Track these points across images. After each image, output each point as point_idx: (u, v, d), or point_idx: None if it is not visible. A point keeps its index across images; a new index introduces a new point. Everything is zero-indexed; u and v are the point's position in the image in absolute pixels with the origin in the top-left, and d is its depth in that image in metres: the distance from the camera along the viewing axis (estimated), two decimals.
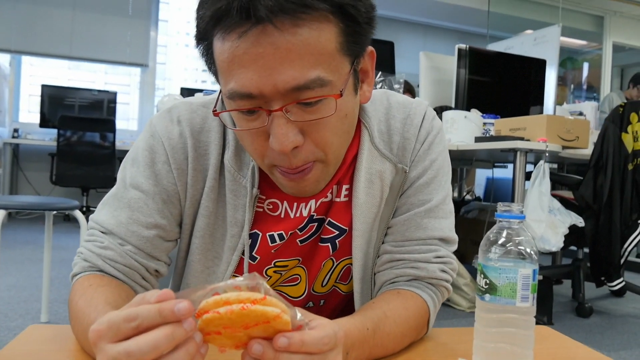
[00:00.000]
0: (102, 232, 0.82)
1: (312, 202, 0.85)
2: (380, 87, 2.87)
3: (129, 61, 6.62)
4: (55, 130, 5.57)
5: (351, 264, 0.88)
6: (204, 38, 0.69)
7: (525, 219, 0.70)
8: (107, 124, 5.63)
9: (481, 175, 6.04)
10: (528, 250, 0.68)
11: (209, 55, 0.71)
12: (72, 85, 6.49)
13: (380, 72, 2.89)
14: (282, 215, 0.86)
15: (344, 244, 0.88)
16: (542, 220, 2.41)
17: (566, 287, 3.68)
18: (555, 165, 4.09)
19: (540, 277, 2.81)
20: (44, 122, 6.04)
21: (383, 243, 0.89)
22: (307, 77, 0.65)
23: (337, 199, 0.87)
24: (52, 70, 6.61)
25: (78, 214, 2.17)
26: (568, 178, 3.06)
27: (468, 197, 5.19)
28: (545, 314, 2.79)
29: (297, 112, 0.67)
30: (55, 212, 2.26)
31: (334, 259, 0.90)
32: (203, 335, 0.51)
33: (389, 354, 0.76)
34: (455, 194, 4.79)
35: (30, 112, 6.49)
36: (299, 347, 0.52)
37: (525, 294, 0.67)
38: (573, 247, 3.24)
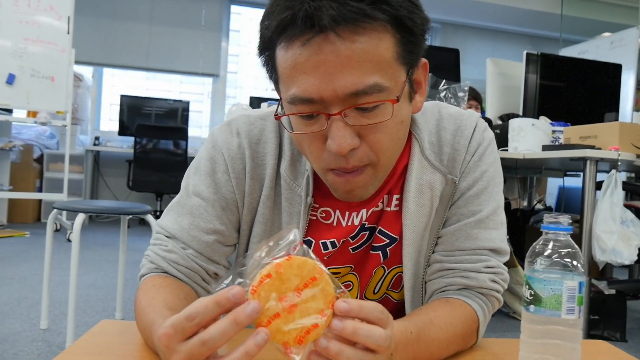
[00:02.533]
0: (167, 237, 0.88)
1: (364, 211, 0.88)
2: (444, 95, 2.86)
3: (201, 71, 6.88)
4: (132, 138, 5.86)
5: (402, 272, 0.90)
6: (267, 47, 0.74)
7: (572, 230, 0.70)
8: (180, 132, 5.87)
9: (553, 184, 5.84)
10: (574, 262, 0.68)
11: (270, 64, 0.75)
12: (150, 95, 6.81)
13: (444, 80, 2.87)
14: (335, 224, 0.89)
15: (395, 253, 0.91)
16: (614, 231, 2.32)
17: None
18: (633, 175, 3.91)
19: (613, 292, 2.70)
20: (123, 130, 6.37)
21: (433, 253, 0.90)
22: (365, 83, 0.68)
23: (388, 209, 0.89)
24: (131, 80, 6.97)
25: (150, 218, 2.29)
26: None
27: (539, 206, 5.03)
28: (617, 330, 2.67)
29: (355, 116, 0.71)
30: (129, 216, 2.39)
31: (385, 267, 0.93)
32: (264, 325, 0.55)
33: None
34: (525, 203, 4.66)
35: (110, 120, 6.87)
36: (358, 311, 0.56)
37: (571, 306, 0.67)
38: None
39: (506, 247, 0.90)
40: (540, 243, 0.70)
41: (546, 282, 0.67)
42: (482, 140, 0.90)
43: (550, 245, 0.69)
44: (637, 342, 2.73)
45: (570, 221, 0.70)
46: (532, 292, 0.69)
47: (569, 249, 0.69)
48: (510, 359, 0.79)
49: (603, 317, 2.68)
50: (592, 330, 2.64)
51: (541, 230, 0.71)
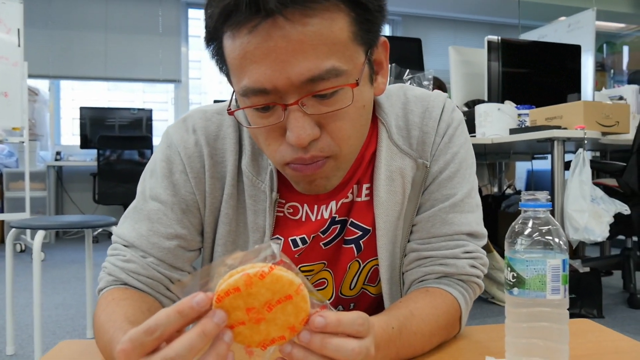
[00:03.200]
0: (125, 246, 0.82)
1: (333, 203, 0.83)
2: (409, 84, 2.84)
3: (162, 78, 6.75)
4: (95, 151, 5.71)
5: (378, 265, 0.86)
6: (213, 38, 0.69)
7: (551, 207, 0.66)
8: (144, 141, 5.75)
9: (521, 168, 5.90)
10: (556, 240, 0.64)
11: (219, 56, 0.70)
12: (114, 105, 6.65)
13: (408, 70, 2.85)
14: (304, 219, 0.84)
15: (369, 245, 0.86)
16: (585, 210, 2.33)
17: (616, 278, 3.54)
18: (597, 154, 3.96)
19: (587, 269, 2.71)
20: (85, 143, 6.20)
21: (409, 241, 0.86)
22: (321, 68, 0.63)
23: (358, 199, 0.85)
24: (92, 92, 6.80)
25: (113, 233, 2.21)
26: (610, 165, 2.96)
27: (509, 191, 5.07)
28: (594, 307, 2.69)
29: (313, 104, 0.66)
30: (94, 230, 2.30)
31: (360, 261, 0.88)
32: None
33: (418, 354, 0.73)
34: (496, 189, 4.69)
35: (74, 134, 6.68)
36: (335, 326, 0.52)
37: (555, 285, 0.63)
38: (621, 237, 3.12)
39: (483, 230, 0.86)
40: (519, 222, 0.67)
41: (528, 262, 0.64)
42: (452, 121, 0.86)
43: (530, 223, 0.66)
44: (614, 317, 2.76)
45: (549, 197, 0.67)
46: (515, 274, 0.65)
47: (550, 226, 0.65)
48: (495, 346, 0.75)
49: (580, 295, 2.69)
50: (570, 309, 2.64)
51: (519, 209, 0.67)
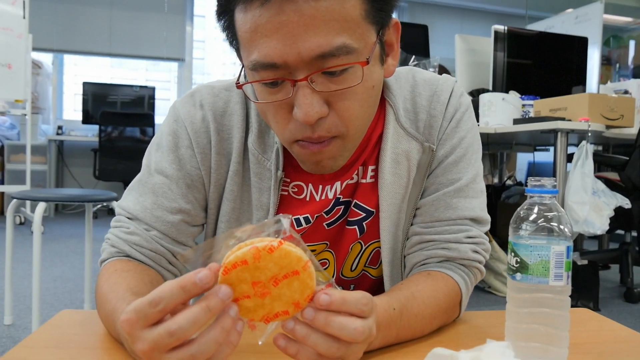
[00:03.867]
0: (128, 218, 0.82)
1: (338, 184, 0.83)
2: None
3: (166, 56, 6.72)
4: (97, 127, 5.70)
5: (380, 247, 0.86)
6: (225, 11, 0.68)
7: (558, 193, 0.66)
8: (147, 119, 5.73)
9: (523, 159, 5.90)
10: (561, 226, 0.64)
11: (230, 30, 0.70)
12: (117, 82, 6.63)
13: (414, 56, 2.84)
14: (308, 199, 0.84)
15: (372, 227, 0.86)
16: (586, 202, 2.33)
17: (614, 272, 3.56)
18: (600, 148, 3.96)
19: (585, 262, 2.72)
20: (87, 119, 6.19)
21: (412, 225, 0.86)
22: (332, 44, 0.63)
23: (363, 181, 0.85)
24: (95, 68, 6.77)
25: (116, 205, 2.21)
26: (613, 159, 2.95)
27: (509, 182, 5.08)
28: (591, 299, 2.71)
29: (322, 82, 0.66)
30: (94, 204, 2.30)
31: (362, 243, 0.88)
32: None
33: (417, 336, 0.73)
34: (496, 180, 4.69)
35: (75, 110, 6.67)
36: (340, 304, 0.52)
37: (558, 272, 0.64)
38: (620, 231, 3.12)
39: (487, 215, 0.86)
40: (524, 208, 0.67)
41: (532, 247, 0.64)
42: (459, 105, 0.86)
43: (536, 209, 0.66)
44: (610, 310, 2.77)
45: (555, 184, 0.66)
46: (518, 260, 0.65)
47: (555, 213, 0.65)
48: (495, 331, 0.76)
49: (577, 288, 2.71)
50: None
51: (520, 198, 0.68)
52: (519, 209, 0.67)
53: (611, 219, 2.48)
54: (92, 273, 2.59)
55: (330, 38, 0.63)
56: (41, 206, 1.99)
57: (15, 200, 2.20)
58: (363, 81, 0.67)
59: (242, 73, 0.74)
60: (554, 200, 0.66)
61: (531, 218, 0.65)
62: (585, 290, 2.68)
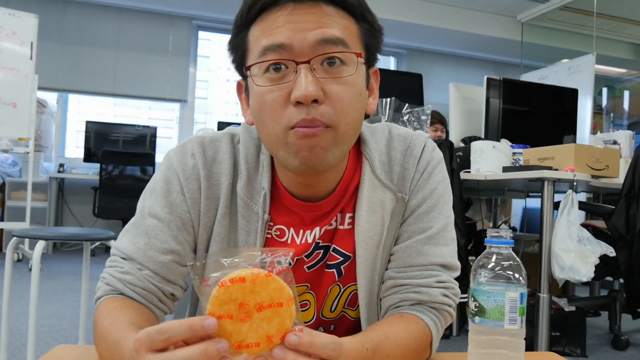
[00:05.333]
0: (123, 258, 0.88)
1: (317, 229, 0.90)
2: (407, 119, 2.91)
3: (169, 97, 6.86)
4: (98, 165, 5.78)
5: (357, 290, 0.92)
6: (243, 28, 0.81)
7: (513, 244, 0.73)
8: (147, 158, 5.82)
9: (518, 205, 5.96)
10: (516, 275, 0.71)
11: (241, 45, 0.82)
12: (119, 121, 6.75)
13: (407, 104, 2.93)
14: (289, 241, 0.90)
15: (349, 271, 0.92)
16: (571, 250, 2.38)
17: (604, 319, 3.58)
18: (591, 195, 4.02)
19: (573, 308, 2.75)
20: (89, 157, 6.28)
21: (387, 269, 0.92)
22: (333, 34, 0.76)
23: (341, 227, 0.91)
24: (99, 106, 6.90)
25: (112, 246, 2.26)
26: (600, 208, 3.02)
27: (504, 227, 5.12)
28: (578, 346, 2.73)
29: (321, 72, 0.76)
30: (92, 242, 2.36)
31: (341, 285, 0.94)
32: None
33: None
34: (490, 224, 4.74)
35: (77, 147, 6.77)
36: (308, 346, 0.58)
37: (513, 316, 0.70)
38: (609, 278, 3.16)
39: (456, 262, 0.92)
40: (483, 256, 0.73)
41: (489, 293, 0.70)
42: (431, 159, 0.93)
43: (493, 258, 0.72)
44: (597, 357, 2.79)
45: (512, 235, 0.73)
46: (477, 304, 0.71)
47: (511, 262, 0.72)
48: None
49: (564, 334, 2.73)
50: (554, 347, 2.69)
51: (485, 244, 0.74)
52: (478, 257, 0.74)
53: (600, 266, 2.53)
54: (88, 311, 2.61)
55: (332, 30, 0.76)
56: (40, 244, 2.05)
57: (15, 237, 2.25)
58: (353, 80, 0.78)
59: (243, 76, 0.85)
60: (510, 251, 0.72)
61: (489, 266, 0.72)
62: (572, 336, 2.71)
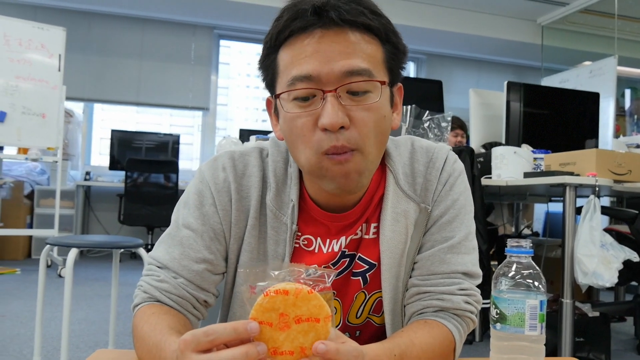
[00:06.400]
0: (159, 267, 0.93)
1: (343, 238, 0.94)
2: (428, 125, 2.94)
3: (191, 105, 6.97)
4: (123, 172, 5.90)
5: (382, 297, 0.96)
6: (272, 52, 0.85)
7: (533, 253, 0.76)
8: (171, 165, 5.92)
9: (540, 209, 5.93)
10: (536, 283, 0.74)
11: (271, 68, 0.86)
12: (141, 129, 6.88)
13: (427, 111, 2.96)
14: (316, 250, 0.95)
15: (374, 278, 0.96)
16: (594, 255, 2.39)
17: (629, 324, 3.55)
18: (615, 199, 4.00)
19: (597, 314, 2.75)
20: (113, 165, 6.41)
21: (410, 277, 0.96)
22: (358, 66, 0.80)
23: (366, 236, 0.95)
24: (121, 114, 7.04)
25: (142, 251, 2.33)
26: (623, 212, 3.00)
27: (527, 231, 5.10)
28: (602, 352, 2.72)
29: (346, 99, 0.81)
30: (121, 250, 2.43)
31: (366, 292, 0.98)
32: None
33: None
34: (513, 229, 4.73)
35: (101, 155, 6.91)
36: (334, 354, 0.61)
37: (533, 323, 0.73)
38: (634, 283, 3.14)
39: (478, 270, 0.96)
40: (504, 265, 0.76)
41: (510, 301, 0.73)
42: (453, 171, 0.97)
43: (514, 267, 0.75)
44: None
45: (532, 245, 0.76)
46: (498, 311, 0.74)
47: (531, 270, 0.75)
48: None
49: (588, 339, 2.72)
50: (578, 353, 2.68)
51: (505, 254, 0.77)
52: (499, 266, 0.77)
53: (624, 271, 2.53)
54: (117, 316, 2.69)
55: (357, 61, 0.80)
56: (73, 252, 2.12)
57: (48, 245, 2.33)
58: (377, 106, 0.82)
59: (274, 103, 0.89)
60: (529, 260, 0.76)
61: (510, 275, 0.75)
62: (596, 342, 2.70)
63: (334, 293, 0.65)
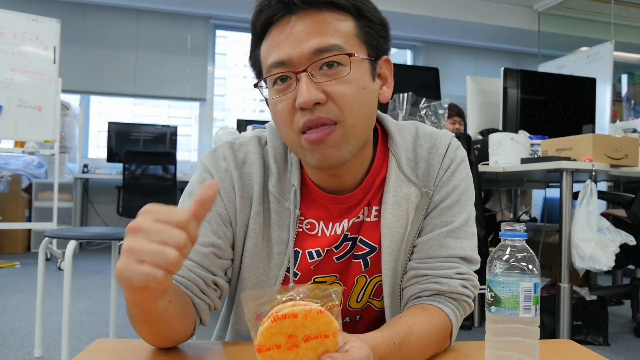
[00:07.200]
0: None
1: (345, 221, 0.95)
2: (425, 113, 2.94)
3: (188, 96, 6.96)
4: (121, 165, 5.90)
5: (382, 282, 0.97)
6: (256, 46, 0.89)
7: (527, 237, 0.77)
8: (169, 157, 5.91)
9: (538, 195, 5.95)
10: (530, 266, 0.75)
11: (256, 57, 0.89)
12: (138, 120, 6.87)
13: (424, 99, 2.96)
14: (319, 234, 0.96)
15: (375, 262, 0.97)
16: (591, 239, 2.40)
17: (627, 307, 3.58)
18: (612, 184, 4.01)
19: (595, 298, 2.77)
20: (111, 157, 6.41)
21: (409, 261, 0.97)
22: (327, 42, 0.82)
23: (368, 219, 0.96)
24: (118, 107, 7.03)
25: None
26: (620, 196, 3.02)
27: (525, 217, 5.12)
28: (600, 334, 2.74)
29: (321, 77, 0.82)
30: (120, 241, 2.44)
31: (367, 276, 0.99)
32: (263, 351, 0.60)
33: None
34: (511, 215, 4.75)
35: (99, 147, 6.91)
36: None
37: (527, 305, 0.74)
38: (632, 267, 3.17)
39: (476, 256, 0.96)
40: (498, 249, 0.77)
41: (504, 284, 0.74)
42: (455, 157, 0.98)
43: (508, 250, 0.76)
44: (619, 345, 2.81)
45: (525, 228, 0.77)
46: (493, 294, 0.75)
47: (525, 253, 0.75)
48: (479, 358, 0.85)
49: (586, 323, 2.75)
50: (576, 336, 2.71)
51: (499, 237, 0.78)
52: (494, 250, 0.78)
53: (621, 255, 2.54)
54: (117, 307, 2.70)
55: (326, 39, 0.82)
56: (72, 244, 2.13)
57: (46, 237, 2.34)
58: (353, 77, 0.83)
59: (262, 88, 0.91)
60: (523, 243, 0.76)
61: (504, 258, 0.76)
62: (594, 325, 2.72)
63: (340, 303, 0.65)
